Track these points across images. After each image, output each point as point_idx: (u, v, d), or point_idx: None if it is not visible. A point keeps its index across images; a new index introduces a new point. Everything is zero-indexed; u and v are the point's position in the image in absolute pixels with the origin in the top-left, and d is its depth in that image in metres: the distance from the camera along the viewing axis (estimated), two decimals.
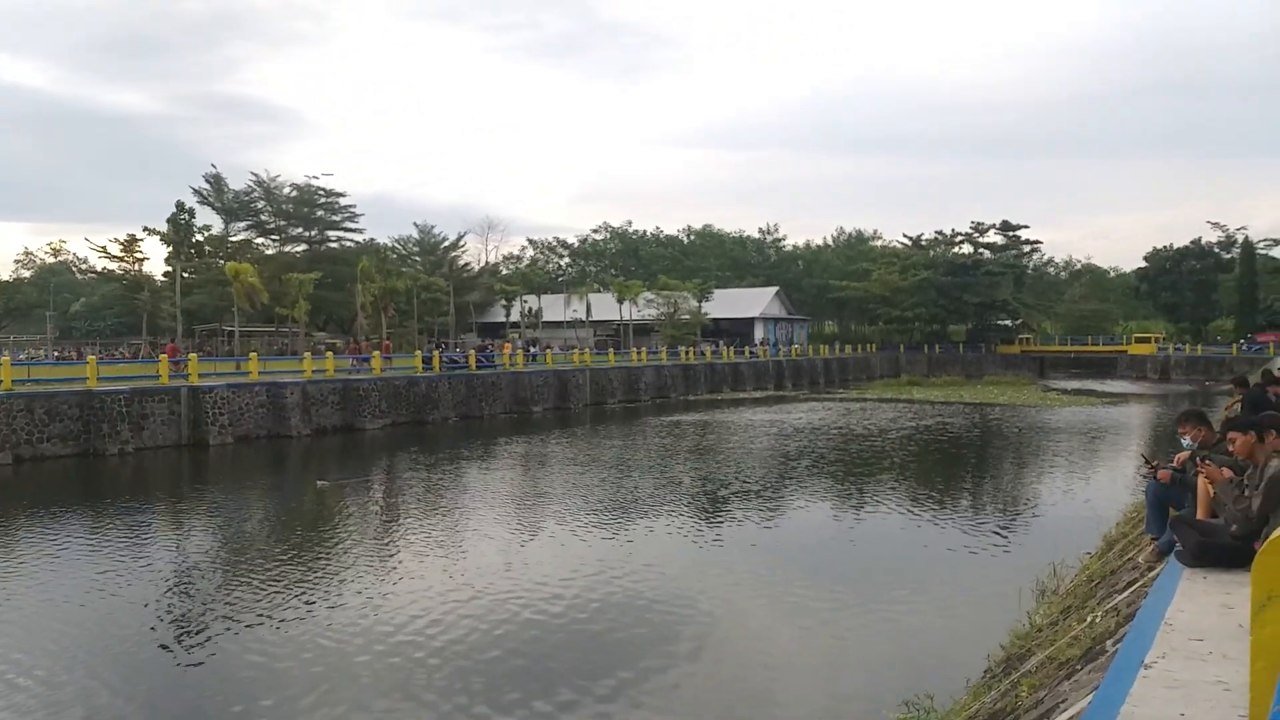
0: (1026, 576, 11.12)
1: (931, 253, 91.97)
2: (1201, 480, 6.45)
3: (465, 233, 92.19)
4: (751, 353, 67.02)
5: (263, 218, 72.41)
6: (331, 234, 75.00)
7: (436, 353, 43.14)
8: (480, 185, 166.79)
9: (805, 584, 13.15)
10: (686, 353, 59.82)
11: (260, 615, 11.60)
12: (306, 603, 12.15)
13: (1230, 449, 6.45)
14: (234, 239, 70.36)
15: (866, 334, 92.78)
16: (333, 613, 11.66)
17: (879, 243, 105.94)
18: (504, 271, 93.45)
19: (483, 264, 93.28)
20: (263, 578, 13.53)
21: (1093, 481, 23.06)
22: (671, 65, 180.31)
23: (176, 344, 43.94)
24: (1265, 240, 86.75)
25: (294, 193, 71.84)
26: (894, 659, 10.15)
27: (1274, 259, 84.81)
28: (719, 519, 18.20)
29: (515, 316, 73.31)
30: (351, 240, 75.25)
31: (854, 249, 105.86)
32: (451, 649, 10.24)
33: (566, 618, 11.43)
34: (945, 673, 8.69)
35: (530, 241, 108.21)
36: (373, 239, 77.93)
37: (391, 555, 15.13)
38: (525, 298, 74.48)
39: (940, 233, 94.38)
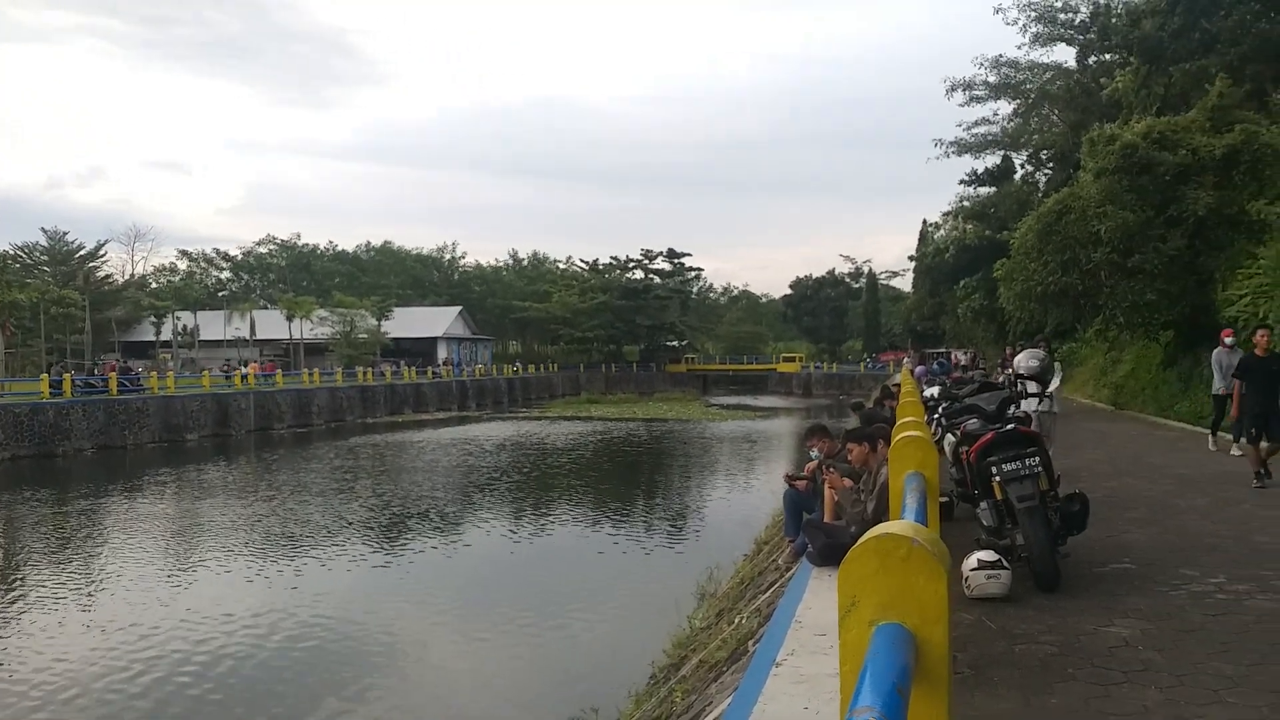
0: (693, 581, 11.88)
1: (607, 277, 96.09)
2: (827, 487, 7.20)
3: (106, 241, 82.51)
4: (434, 373, 65.77)
5: None
6: None
7: (67, 375, 37.94)
8: (127, 190, 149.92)
9: (487, 605, 13.11)
10: (364, 373, 57.44)
11: None
12: None
13: (849, 458, 7.28)
14: None
15: (549, 354, 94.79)
16: None
17: (560, 266, 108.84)
18: (153, 285, 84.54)
19: (128, 276, 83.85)
20: None
21: (749, 488, 25.16)
22: (353, 77, 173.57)
23: None
24: (886, 272, 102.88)
25: None
26: (568, 674, 10.37)
27: (894, 288, 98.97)
28: (399, 545, 17.62)
29: (167, 335, 66.53)
30: None
31: (535, 271, 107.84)
32: (89, 705, 9.00)
33: (230, 663, 10.47)
34: (615, 683, 8.99)
35: (184, 253, 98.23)
36: None
37: (7, 608, 13.04)
38: (178, 314, 67.82)
39: (615, 258, 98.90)
